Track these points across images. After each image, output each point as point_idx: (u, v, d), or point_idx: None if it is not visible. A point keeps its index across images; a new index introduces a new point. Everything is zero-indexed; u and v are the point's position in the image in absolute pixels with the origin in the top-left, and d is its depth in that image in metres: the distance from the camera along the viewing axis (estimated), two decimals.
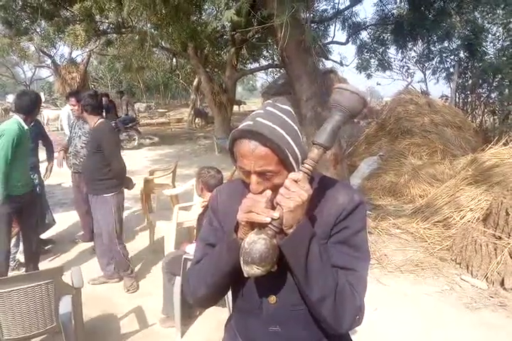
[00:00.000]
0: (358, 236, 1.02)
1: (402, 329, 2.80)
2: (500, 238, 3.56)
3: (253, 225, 0.93)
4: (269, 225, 0.91)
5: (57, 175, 6.93)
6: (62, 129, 15.72)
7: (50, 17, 8.92)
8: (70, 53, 16.73)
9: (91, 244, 4.18)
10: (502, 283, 3.30)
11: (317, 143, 0.93)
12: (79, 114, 3.82)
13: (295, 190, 0.88)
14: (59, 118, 15.82)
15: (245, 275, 0.92)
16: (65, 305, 2.08)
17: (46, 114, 16.62)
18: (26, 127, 2.99)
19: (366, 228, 1.06)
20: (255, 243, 0.89)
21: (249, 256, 0.89)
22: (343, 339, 1.12)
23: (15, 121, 2.93)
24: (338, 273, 0.98)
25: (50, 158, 4.10)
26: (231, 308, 2.61)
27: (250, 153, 0.92)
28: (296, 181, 0.89)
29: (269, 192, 0.94)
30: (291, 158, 0.93)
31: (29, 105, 3.05)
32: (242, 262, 0.91)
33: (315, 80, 4.18)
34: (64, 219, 5.04)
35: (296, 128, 0.96)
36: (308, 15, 4.20)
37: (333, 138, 0.93)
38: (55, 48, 15.61)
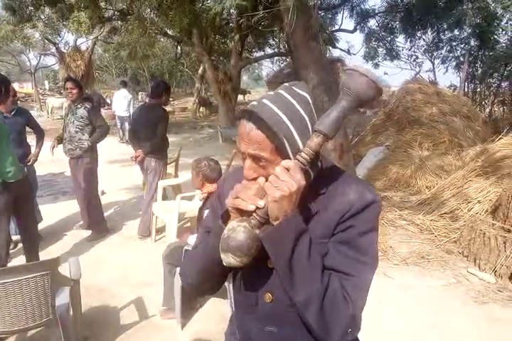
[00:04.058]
0: (365, 237, 0.91)
1: (408, 322, 2.74)
2: (509, 231, 3.47)
3: (242, 212, 0.85)
4: (254, 214, 0.84)
5: (59, 164, 6.96)
6: None
7: (53, 3, 8.81)
8: (75, 41, 16.56)
9: (88, 233, 4.16)
10: (511, 277, 3.22)
11: (317, 130, 0.83)
12: (74, 99, 3.91)
13: (284, 179, 0.80)
14: (63, 106, 15.78)
15: (224, 263, 0.86)
16: (63, 297, 2.04)
17: (51, 102, 16.58)
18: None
19: (377, 231, 0.93)
20: (234, 230, 0.83)
21: (226, 244, 0.83)
22: None
23: None
24: (332, 277, 0.88)
25: (38, 145, 4.10)
26: (232, 302, 2.57)
27: (246, 134, 0.86)
28: (287, 169, 0.81)
29: (262, 180, 0.86)
30: (288, 149, 0.85)
31: None
32: (220, 249, 0.85)
33: (322, 68, 4.06)
34: (64, 208, 5.01)
35: (305, 117, 0.87)
36: (315, 0, 4.05)
37: (336, 125, 0.83)
38: (60, 36, 15.48)
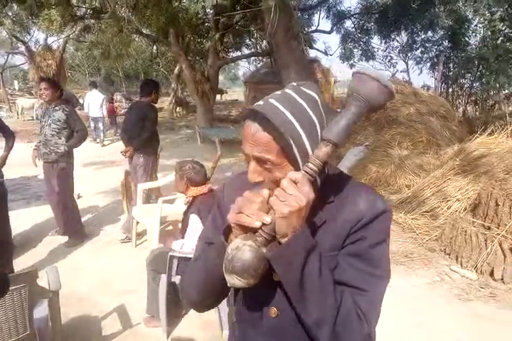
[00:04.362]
0: (377, 249, 0.86)
1: (394, 322, 2.74)
2: (489, 228, 3.54)
3: (245, 228, 0.79)
4: (260, 231, 0.77)
5: (33, 167, 6.69)
6: (37, 118, 15.23)
7: (22, 0, 8.48)
8: (46, 39, 16.03)
9: (65, 239, 4.00)
10: (492, 274, 3.28)
11: (326, 138, 0.77)
12: (49, 100, 3.74)
13: (292, 193, 0.74)
14: (34, 107, 15.28)
15: (228, 284, 0.80)
16: (41, 309, 1.93)
17: (21, 102, 16.02)
18: None
19: (388, 241, 0.89)
20: (239, 250, 0.76)
21: (231, 264, 0.76)
22: None
23: None
24: (345, 293, 0.83)
25: (7, 148, 3.81)
26: (220, 311, 2.50)
27: (251, 136, 0.81)
28: (294, 182, 0.75)
29: (266, 192, 0.80)
30: (296, 152, 0.79)
31: None
32: (223, 269, 0.78)
33: (303, 68, 4.04)
34: (38, 213, 4.81)
35: (314, 118, 0.81)
36: (296, 1, 4.02)
37: (345, 133, 0.77)
38: (29, 34, 14.97)
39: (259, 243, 0.77)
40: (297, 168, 0.80)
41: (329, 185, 0.87)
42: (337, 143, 0.77)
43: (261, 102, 0.82)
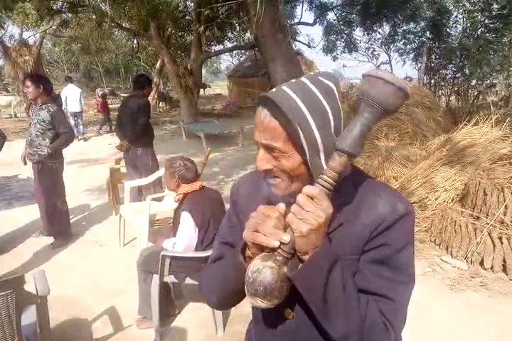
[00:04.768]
0: (401, 255, 0.81)
1: None
2: (478, 218, 3.57)
3: (263, 247, 0.75)
4: (279, 250, 0.73)
5: (14, 166, 6.51)
6: (15, 116, 14.81)
7: None
8: (21, 34, 15.51)
9: (50, 240, 3.89)
10: (482, 263, 3.32)
11: (340, 149, 0.72)
12: (33, 97, 3.60)
13: (309, 210, 0.70)
14: (11, 104, 14.85)
15: (251, 305, 0.77)
16: (29, 315, 1.84)
17: None
18: None
19: (413, 244, 0.84)
20: (259, 272, 0.72)
21: (253, 288, 0.73)
22: None
23: None
24: (370, 302, 0.79)
25: None
26: (214, 310, 2.45)
27: (260, 122, 0.78)
28: (311, 197, 0.70)
29: (282, 206, 0.75)
30: (303, 140, 0.75)
31: None
32: (246, 291, 0.75)
33: (290, 61, 3.98)
34: (21, 215, 4.66)
35: (327, 109, 0.76)
36: None
37: (360, 141, 0.72)
38: (3, 28, 14.46)
39: (279, 262, 0.73)
40: (304, 158, 0.77)
41: (345, 183, 0.81)
42: (352, 152, 0.71)
43: (274, 89, 0.79)
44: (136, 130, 4.14)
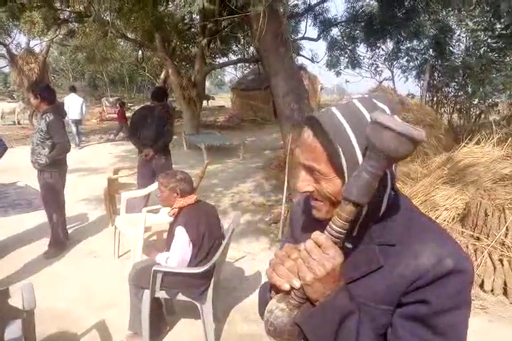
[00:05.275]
0: (445, 317, 0.70)
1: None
2: (478, 239, 3.52)
3: (278, 288, 0.74)
4: (292, 293, 0.72)
5: (12, 173, 6.49)
6: (19, 123, 14.87)
7: (3, 2, 8.27)
8: (28, 43, 15.68)
9: (44, 249, 3.83)
10: (482, 286, 3.24)
11: (345, 197, 0.69)
12: (35, 107, 3.74)
13: (315, 258, 0.68)
14: (15, 111, 14.93)
15: None
16: (14, 330, 1.79)
17: (1, 107, 15.65)
18: None
19: (465, 309, 0.73)
20: (272, 313, 0.73)
21: (267, 328, 0.74)
22: None
23: None
24: None
25: None
26: (205, 321, 2.40)
27: (303, 141, 0.77)
28: (318, 245, 0.69)
29: (309, 245, 0.73)
30: (344, 163, 0.71)
31: None
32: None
33: (292, 76, 3.98)
34: (16, 223, 4.60)
35: None
36: (285, 7, 3.97)
37: (366, 191, 0.68)
38: (10, 36, 14.63)
39: (291, 305, 0.72)
40: (344, 182, 0.73)
41: (392, 221, 0.76)
42: (358, 202, 0.68)
43: (323, 109, 0.77)
44: (165, 140, 4.41)
